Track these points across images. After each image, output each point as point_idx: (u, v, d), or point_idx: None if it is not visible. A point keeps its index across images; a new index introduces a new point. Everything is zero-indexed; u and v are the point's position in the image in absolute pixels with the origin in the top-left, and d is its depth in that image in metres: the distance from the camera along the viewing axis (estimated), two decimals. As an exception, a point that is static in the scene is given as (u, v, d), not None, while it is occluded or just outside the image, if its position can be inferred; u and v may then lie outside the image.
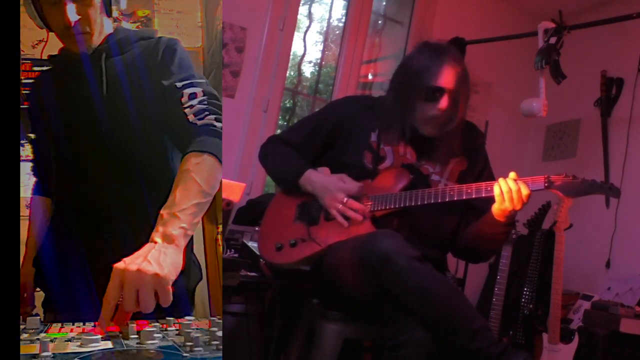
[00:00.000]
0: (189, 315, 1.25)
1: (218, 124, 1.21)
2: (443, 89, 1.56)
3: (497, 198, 1.45)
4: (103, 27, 1.34)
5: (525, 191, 1.43)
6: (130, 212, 1.27)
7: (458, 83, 1.57)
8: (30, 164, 1.54)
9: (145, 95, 1.28)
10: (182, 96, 1.24)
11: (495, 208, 1.48)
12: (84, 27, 1.27)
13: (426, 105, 1.58)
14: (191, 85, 1.26)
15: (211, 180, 1.13)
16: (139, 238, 1.08)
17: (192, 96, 1.24)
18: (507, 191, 1.43)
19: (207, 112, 1.21)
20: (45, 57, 1.42)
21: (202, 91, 1.25)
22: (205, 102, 1.23)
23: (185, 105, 1.22)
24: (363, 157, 1.67)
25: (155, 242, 1.02)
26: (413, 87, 1.59)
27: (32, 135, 1.45)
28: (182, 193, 1.09)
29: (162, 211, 1.07)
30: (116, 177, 1.29)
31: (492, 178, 1.70)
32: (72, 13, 1.23)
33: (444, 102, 1.56)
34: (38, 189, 1.53)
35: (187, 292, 1.34)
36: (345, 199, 1.57)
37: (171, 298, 0.95)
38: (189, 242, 1.26)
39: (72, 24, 1.24)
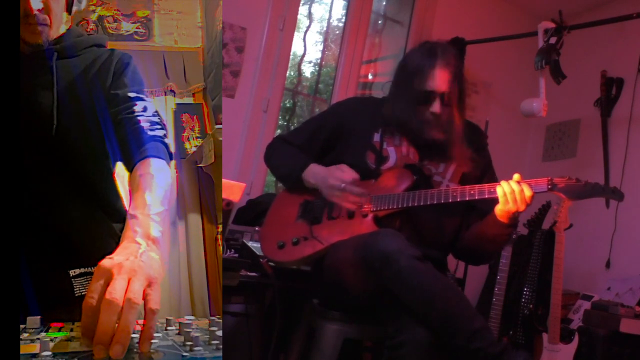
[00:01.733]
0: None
1: (167, 140, 1.22)
2: (435, 92, 1.56)
3: (500, 199, 1.45)
4: (60, 22, 1.30)
5: (528, 192, 1.43)
6: (79, 216, 1.27)
7: (451, 85, 1.57)
8: None
9: (95, 102, 1.25)
10: (134, 105, 1.24)
11: (499, 209, 1.48)
12: (44, 18, 1.22)
13: (420, 109, 1.59)
14: (143, 99, 1.27)
15: (171, 192, 1.13)
16: (94, 245, 1.17)
17: (145, 108, 1.25)
18: (510, 192, 1.43)
19: (158, 126, 1.23)
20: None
21: (154, 108, 1.27)
22: (158, 117, 1.25)
23: (137, 114, 1.23)
24: (366, 158, 1.67)
25: (139, 243, 0.94)
26: (406, 91, 1.61)
27: None
28: (151, 196, 1.05)
29: (133, 212, 1.02)
30: (63, 180, 1.26)
31: (494, 179, 1.70)
32: (35, 1, 1.19)
33: (436, 106, 1.57)
34: None
35: None
36: (343, 185, 1.57)
37: (159, 301, 0.86)
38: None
39: (34, 12, 1.19)
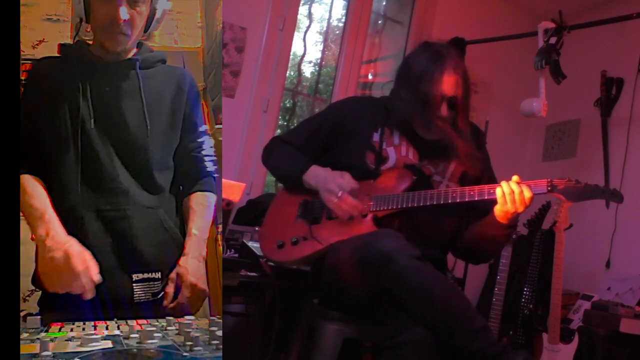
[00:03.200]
0: (188, 314, 1.32)
1: (216, 174, 1.53)
2: (443, 96, 1.57)
3: (499, 200, 1.45)
4: (138, 39, 1.43)
5: (528, 194, 1.43)
6: (145, 220, 1.38)
7: (458, 88, 1.59)
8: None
9: (166, 119, 1.43)
10: (203, 143, 1.51)
11: (498, 210, 1.48)
12: (128, 29, 1.35)
13: (427, 112, 1.59)
14: (206, 134, 1.53)
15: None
16: (153, 235, 1.36)
17: (208, 146, 1.52)
18: (509, 193, 1.43)
19: (213, 163, 1.51)
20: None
21: (211, 142, 1.53)
22: (213, 151, 1.53)
23: (204, 152, 1.50)
24: (365, 158, 1.67)
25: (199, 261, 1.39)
26: (413, 93, 1.61)
27: None
28: (204, 224, 1.44)
29: (196, 232, 1.41)
30: (131, 183, 1.37)
31: (493, 179, 1.70)
32: (124, 12, 1.32)
33: (444, 110, 1.58)
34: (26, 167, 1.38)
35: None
36: (340, 193, 1.57)
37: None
38: (181, 248, 1.44)
39: (121, 22, 1.32)
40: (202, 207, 1.45)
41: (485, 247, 1.64)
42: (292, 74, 3.13)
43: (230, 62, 2.65)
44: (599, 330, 2.33)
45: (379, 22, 3.34)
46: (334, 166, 1.75)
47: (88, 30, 1.44)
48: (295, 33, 2.88)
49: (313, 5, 3.20)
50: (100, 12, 1.34)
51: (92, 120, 1.34)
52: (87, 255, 1.20)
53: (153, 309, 1.32)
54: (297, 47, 3.06)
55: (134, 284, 1.32)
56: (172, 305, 1.30)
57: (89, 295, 1.17)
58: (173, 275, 1.34)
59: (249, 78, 2.72)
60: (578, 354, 2.27)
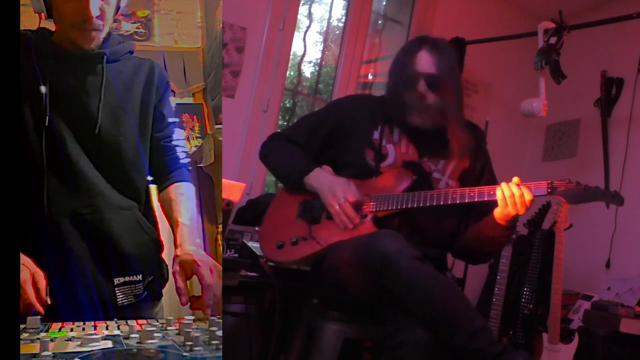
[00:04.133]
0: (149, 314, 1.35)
1: (190, 166, 1.48)
2: (419, 74, 1.59)
3: (499, 202, 1.45)
4: (108, 29, 1.35)
5: (528, 196, 1.42)
6: (123, 222, 1.33)
7: (438, 69, 1.59)
8: None
9: (132, 107, 1.37)
10: (173, 133, 1.45)
11: (498, 212, 1.48)
12: (99, 24, 1.27)
13: (408, 93, 1.61)
14: (176, 124, 1.48)
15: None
16: (132, 236, 1.31)
17: (178, 135, 1.47)
18: (509, 196, 1.43)
19: (185, 154, 1.47)
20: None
21: (182, 133, 1.49)
22: (184, 142, 1.49)
23: (174, 142, 1.45)
24: (365, 155, 1.67)
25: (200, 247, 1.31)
26: (396, 78, 1.64)
27: None
28: (191, 214, 1.37)
29: (183, 221, 1.34)
30: (104, 178, 1.31)
31: (493, 178, 1.70)
32: (95, 8, 1.23)
33: (421, 87, 1.59)
34: None
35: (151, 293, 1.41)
36: (343, 201, 1.56)
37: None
38: (159, 247, 1.42)
39: (93, 19, 1.24)
40: (182, 196, 1.39)
41: (484, 247, 1.64)
42: (292, 74, 3.13)
43: (230, 62, 2.66)
44: (599, 330, 2.32)
45: (379, 22, 3.34)
46: (334, 163, 1.75)
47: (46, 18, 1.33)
48: (295, 33, 2.88)
49: (313, 5, 3.20)
50: (68, 8, 1.24)
51: (54, 118, 1.25)
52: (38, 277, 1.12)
53: (134, 312, 1.31)
54: (297, 47, 3.07)
55: (116, 288, 1.29)
56: (189, 299, 1.20)
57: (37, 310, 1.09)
58: (177, 267, 1.22)
59: (249, 78, 2.72)
60: (578, 354, 2.27)
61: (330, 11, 3.26)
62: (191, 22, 2.54)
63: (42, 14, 1.28)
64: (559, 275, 2.29)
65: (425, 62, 1.59)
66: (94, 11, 1.23)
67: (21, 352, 0.75)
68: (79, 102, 1.29)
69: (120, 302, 1.29)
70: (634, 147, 2.98)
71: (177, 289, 1.21)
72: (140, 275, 1.34)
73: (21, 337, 0.89)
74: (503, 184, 1.45)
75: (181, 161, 1.45)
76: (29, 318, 0.99)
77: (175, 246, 1.30)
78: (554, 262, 2.30)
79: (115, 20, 1.40)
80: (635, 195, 2.70)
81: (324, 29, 3.29)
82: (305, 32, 3.15)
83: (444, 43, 1.67)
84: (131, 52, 1.42)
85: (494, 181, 1.66)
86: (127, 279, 1.31)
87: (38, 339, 0.86)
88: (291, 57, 2.91)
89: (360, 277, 1.42)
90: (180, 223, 1.33)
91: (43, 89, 1.25)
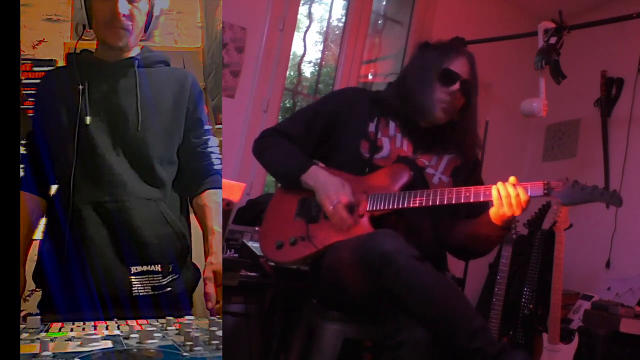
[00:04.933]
0: (188, 314, 1.34)
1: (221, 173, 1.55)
2: (458, 75, 1.61)
3: (495, 202, 1.44)
4: (139, 36, 1.47)
5: (524, 197, 1.41)
6: (145, 212, 1.38)
7: (470, 77, 1.63)
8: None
9: (168, 115, 1.45)
10: (209, 140, 1.53)
11: (493, 212, 1.48)
12: (128, 23, 1.40)
13: (439, 88, 1.62)
14: (211, 132, 1.57)
15: None
16: (153, 227, 1.36)
17: (213, 143, 1.55)
18: (505, 196, 1.42)
19: (219, 160, 1.54)
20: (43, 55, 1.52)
21: (216, 140, 1.57)
22: (219, 151, 1.56)
23: (209, 148, 1.53)
24: (360, 146, 1.67)
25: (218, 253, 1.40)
26: (428, 69, 1.64)
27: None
28: (221, 221, 1.47)
29: (219, 230, 1.44)
30: (131, 175, 1.38)
31: (480, 178, 1.73)
32: (123, 6, 1.38)
33: (456, 86, 1.61)
34: (28, 187, 1.49)
35: (186, 293, 1.44)
36: (336, 203, 1.56)
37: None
38: (189, 250, 1.46)
39: (121, 16, 1.37)
40: (217, 204, 1.49)
41: (478, 245, 1.65)
42: (292, 74, 3.13)
43: (230, 62, 2.65)
44: (599, 330, 2.32)
45: (379, 22, 3.34)
46: (329, 155, 1.76)
47: (88, 30, 1.48)
48: (295, 33, 2.88)
49: (313, 5, 3.20)
50: (101, 9, 1.39)
51: (88, 117, 1.37)
52: None
53: (152, 303, 1.33)
54: (297, 47, 3.07)
55: (132, 277, 1.32)
56: (216, 305, 1.30)
57: None
58: (210, 274, 1.33)
59: (249, 78, 2.72)
60: (578, 354, 2.27)
61: (330, 11, 3.26)
62: (191, 22, 2.53)
63: (84, 25, 1.45)
64: (559, 275, 2.29)
65: (465, 67, 1.63)
66: (122, 9, 1.37)
67: (21, 352, 0.75)
68: (111, 101, 1.41)
69: (136, 291, 1.32)
70: (634, 147, 2.98)
71: (207, 294, 1.31)
72: (160, 266, 1.36)
73: (21, 337, 0.89)
74: (499, 184, 1.44)
75: (215, 167, 1.52)
76: (29, 318, 1.00)
77: (209, 253, 1.40)
78: (554, 262, 2.30)
79: (150, 35, 1.51)
80: (635, 195, 2.70)
81: (324, 29, 3.29)
82: (305, 32, 3.15)
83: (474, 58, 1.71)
84: (166, 64, 1.53)
85: (480, 182, 1.68)
86: (145, 268, 1.34)
87: (38, 339, 0.86)
88: (291, 57, 2.91)
89: (360, 277, 1.42)
90: (216, 231, 1.43)
91: (81, 86, 1.39)
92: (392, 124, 1.70)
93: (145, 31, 1.49)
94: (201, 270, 1.46)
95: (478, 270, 3.01)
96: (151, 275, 1.35)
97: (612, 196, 1.42)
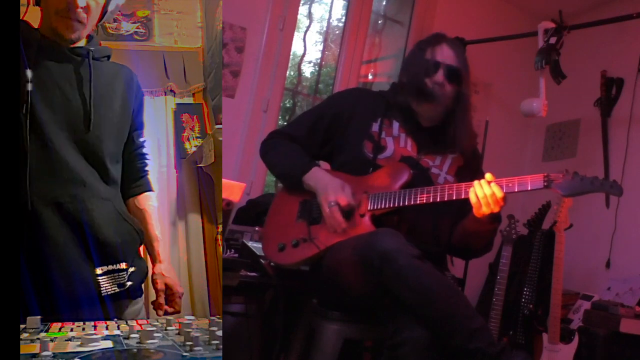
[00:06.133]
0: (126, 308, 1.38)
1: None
2: (439, 63, 1.62)
3: (473, 205, 1.46)
4: (92, 28, 1.40)
5: (499, 194, 1.42)
6: (104, 212, 1.36)
7: (457, 62, 1.64)
8: None
9: (118, 112, 1.42)
10: (143, 143, 1.53)
11: (474, 211, 1.49)
12: (83, 17, 1.32)
13: (426, 80, 1.63)
14: (143, 135, 1.55)
15: None
16: (113, 225, 1.34)
17: (146, 146, 1.55)
18: (482, 197, 1.43)
19: (149, 162, 1.55)
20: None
21: (149, 144, 1.58)
22: (149, 152, 1.57)
23: (144, 152, 1.53)
24: (363, 147, 1.68)
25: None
26: (414, 66, 1.67)
27: None
28: (159, 227, 1.51)
29: (157, 233, 1.48)
30: (88, 173, 1.34)
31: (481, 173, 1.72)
32: None
33: (439, 76, 1.62)
34: None
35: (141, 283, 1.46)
36: (334, 205, 1.56)
37: None
38: (140, 238, 1.45)
39: (78, 8, 1.29)
40: (154, 209, 1.51)
41: (471, 242, 1.65)
42: (292, 74, 3.13)
43: (230, 62, 2.66)
44: (599, 330, 2.32)
45: (379, 22, 3.34)
46: (332, 156, 1.77)
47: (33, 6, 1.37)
48: (295, 33, 2.88)
49: (313, 5, 3.20)
50: None
51: (39, 106, 1.26)
52: None
53: (116, 301, 1.32)
54: (297, 47, 3.07)
55: (99, 277, 1.29)
56: (163, 314, 1.37)
57: None
58: (161, 286, 1.39)
59: (249, 78, 2.72)
60: (578, 354, 2.27)
61: (330, 11, 3.26)
62: (191, 22, 2.53)
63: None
64: (559, 275, 2.29)
65: (446, 54, 1.65)
66: (80, 1, 1.28)
67: (21, 352, 0.75)
68: (64, 93, 1.32)
69: (105, 291, 1.30)
70: (634, 147, 2.98)
71: (158, 304, 1.37)
72: (124, 263, 1.35)
73: (21, 337, 0.89)
74: (475, 183, 1.44)
75: (146, 169, 1.54)
76: (29, 318, 1.00)
77: (157, 261, 1.44)
78: (554, 262, 2.30)
79: (114, 20, 1.44)
80: (635, 195, 2.70)
81: (324, 29, 3.30)
82: (305, 32, 3.15)
83: (460, 44, 1.73)
84: (109, 57, 1.47)
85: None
86: (110, 267, 1.32)
87: (38, 339, 0.86)
88: (291, 57, 2.91)
89: (360, 276, 1.42)
90: (159, 238, 1.47)
91: (29, 72, 1.25)
92: (395, 124, 1.70)
93: (98, 24, 1.43)
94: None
95: (478, 270, 3.01)
96: (117, 274, 1.34)
97: (612, 186, 1.40)
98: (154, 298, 1.42)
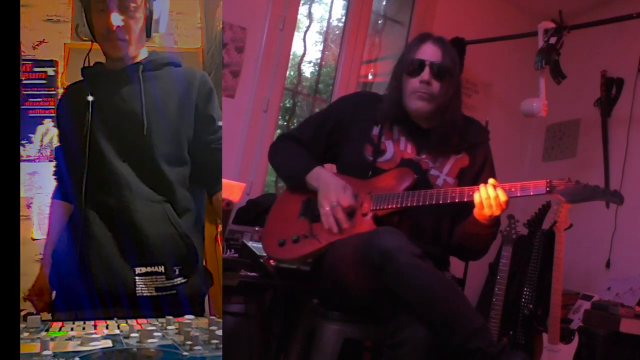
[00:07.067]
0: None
1: None
2: (424, 61, 1.62)
3: (476, 204, 1.47)
4: (140, 42, 1.47)
5: (503, 198, 1.44)
6: (149, 213, 1.39)
7: (443, 59, 1.63)
8: (53, 169, 1.62)
9: (175, 114, 1.45)
10: (218, 140, 1.51)
11: (475, 212, 1.50)
12: (123, 35, 1.41)
13: (411, 79, 1.64)
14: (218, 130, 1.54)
15: None
16: (157, 228, 1.36)
17: (220, 137, 1.53)
18: (485, 198, 1.45)
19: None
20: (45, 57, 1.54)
21: None
22: None
23: (219, 145, 1.51)
24: (364, 150, 1.69)
25: None
26: (400, 67, 1.68)
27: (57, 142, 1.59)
28: None
29: None
30: (134, 178, 1.39)
31: (492, 174, 1.71)
32: (116, 19, 1.39)
33: (425, 74, 1.62)
34: (58, 193, 1.58)
35: (192, 299, 1.43)
36: (335, 204, 1.57)
37: None
38: (196, 253, 1.45)
39: (114, 28, 1.39)
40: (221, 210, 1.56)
41: (470, 243, 1.66)
42: (292, 74, 3.14)
43: (230, 62, 2.66)
44: (599, 330, 2.32)
45: (379, 22, 3.34)
46: (335, 159, 1.79)
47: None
48: (295, 33, 2.88)
49: (313, 5, 3.20)
50: (97, 23, 1.42)
51: (90, 123, 1.41)
52: None
53: (154, 304, 1.33)
54: (297, 47, 3.07)
55: (136, 277, 1.33)
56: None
57: None
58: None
59: (249, 78, 2.72)
60: (578, 354, 2.27)
61: (330, 11, 3.26)
62: (191, 23, 2.53)
63: (91, 40, 1.47)
64: (559, 275, 2.29)
65: (430, 51, 1.64)
66: (115, 21, 1.38)
67: (21, 352, 0.76)
68: (116, 108, 1.43)
69: (140, 292, 1.33)
70: (634, 147, 2.98)
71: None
72: (163, 267, 1.36)
73: (21, 336, 0.89)
74: (481, 186, 1.47)
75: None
76: (29, 317, 1.00)
77: None
78: (554, 262, 2.30)
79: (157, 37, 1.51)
80: (635, 195, 2.70)
81: (324, 29, 3.30)
82: (305, 32, 3.15)
83: (446, 40, 1.72)
84: (176, 65, 1.53)
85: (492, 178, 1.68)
86: (148, 269, 1.35)
87: (38, 338, 0.86)
88: (291, 57, 2.91)
89: (361, 275, 1.43)
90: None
91: (90, 98, 1.42)
92: (395, 127, 1.71)
93: (149, 35, 1.49)
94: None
95: (478, 270, 3.01)
96: (155, 277, 1.35)
97: (613, 194, 1.44)
98: None
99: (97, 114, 1.42)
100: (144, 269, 1.34)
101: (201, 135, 1.48)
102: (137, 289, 1.33)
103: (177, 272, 1.38)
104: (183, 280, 1.39)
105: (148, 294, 1.33)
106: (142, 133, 1.39)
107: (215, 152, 1.50)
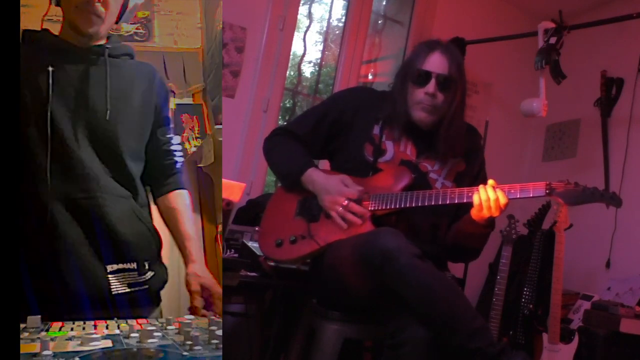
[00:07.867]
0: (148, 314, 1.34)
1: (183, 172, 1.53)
2: (430, 73, 1.61)
3: (475, 205, 1.47)
4: (110, 26, 1.39)
5: (503, 200, 1.44)
6: (118, 209, 1.34)
7: (449, 71, 1.61)
8: None
9: (137, 109, 1.41)
10: (172, 138, 1.49)
11: (473, 212, 1.50)
12: (101, 10, 1.32)
13: (416, 89, 1.63)
14: (175, 131, 1.54)
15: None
16: (127, 224, 1.32)
17: (176, 141, 1.51)
18: (485, 199, 1.45)
19: (182, 158, 1.51)
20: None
21: (178, 138, 1.55)
22: (181, 147, 1.53)
23: (173, 147, 1.49)
24: (364, 150, 1.68)
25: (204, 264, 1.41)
26: (406, 73, 1.66)
27: None
28: (194, 225, 1.47)
29: (192, 233, 1.43)
30: (102, 170, 1.32)
31: (486, 180, 1.71)
32: None
33: (431, 87, 1.61)
34: None
35: (150, 293, 1.40)
36: (346, 202, 1.57)
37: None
38: (161, 246, 1.42)
39: (95, 1, 1.30)
40: (186, 207, 1.46)
41: (465, 243, 1.65)
42: (292, 74, 3.14)
43: (230, 62, 2.66)
44: (599, 330, 2.32)
45: (379, 22, 3.34)
46: (333, 156, 1.77)
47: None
48: (295, 33, 2.88)
49: (313, 5, 3.20)
50: None
51: (56, 105, 1.28)
52: None
53: (128, 300, 1.30)
54: (297, 47, 3.07)
55: (109, 275, 1.28)
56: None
57: None
58: (196, 287, 1.32)
59: (249, 78, 2.72)
60: (578, 354, 2.27)
61: (330, 11, 3.26)
62: (191, 23, 2.54)
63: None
64: (559, 275, 2.29)
65: (438, 63, 1.62)
66: None
67: (21, 352, 0.75)
68: (79, 90, 1.33)
69: (115, 290, 1.28)
70: (634, 147, 2.98)
71: (194, 308, 1.29)
72: (136, 263, 1.33)
73: (21, 336, 0.89)
74: (480, 187, 1.47)
75: (178, 166, 1.49)
76: (29, 317, 1.00)
77: (190, 261, 1.38)
78: (554, 262, 2.30)
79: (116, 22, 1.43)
80: (635, 195, 2.70)
81: (324, 29, 3.30)
82: (305, 32, 3.15)
83: (455, 48, 1.70)
84: (131, 56, 1.46)
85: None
86: (121, 266, 1.31)
87: (38, 338, 0.86)
88: (291, 57, 2.91)
89: (361, 275, 1.42)
90: (192, 237, 1.42)
91: (50, 68, 1.29)
92: (397, 128, 1.70)
93: (117, 22, 1.42)
94: (168, 270, 1.46)
95: (478, 270, 3.01)
96: (127, 273, 1.32)
97: (612, 197, 1.45)
98: (176, 302, 1.41)
99: (56, 89, 1.29)
100: (116, 267, 1.30)
101: (156, 135, 1.46)
102: (111, 287, 1.28)
103: (146, 267, 1.36)
104: (152, 274, 1.37)
105: (122, 291, 1.30)
106: (105, 118, 1.31)
107: (165, 153, 1.48)
